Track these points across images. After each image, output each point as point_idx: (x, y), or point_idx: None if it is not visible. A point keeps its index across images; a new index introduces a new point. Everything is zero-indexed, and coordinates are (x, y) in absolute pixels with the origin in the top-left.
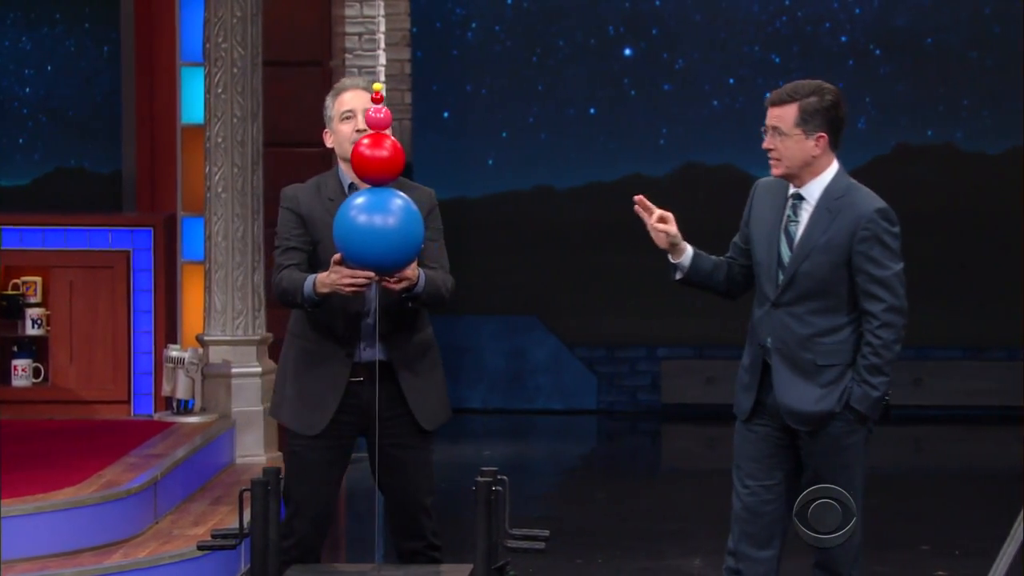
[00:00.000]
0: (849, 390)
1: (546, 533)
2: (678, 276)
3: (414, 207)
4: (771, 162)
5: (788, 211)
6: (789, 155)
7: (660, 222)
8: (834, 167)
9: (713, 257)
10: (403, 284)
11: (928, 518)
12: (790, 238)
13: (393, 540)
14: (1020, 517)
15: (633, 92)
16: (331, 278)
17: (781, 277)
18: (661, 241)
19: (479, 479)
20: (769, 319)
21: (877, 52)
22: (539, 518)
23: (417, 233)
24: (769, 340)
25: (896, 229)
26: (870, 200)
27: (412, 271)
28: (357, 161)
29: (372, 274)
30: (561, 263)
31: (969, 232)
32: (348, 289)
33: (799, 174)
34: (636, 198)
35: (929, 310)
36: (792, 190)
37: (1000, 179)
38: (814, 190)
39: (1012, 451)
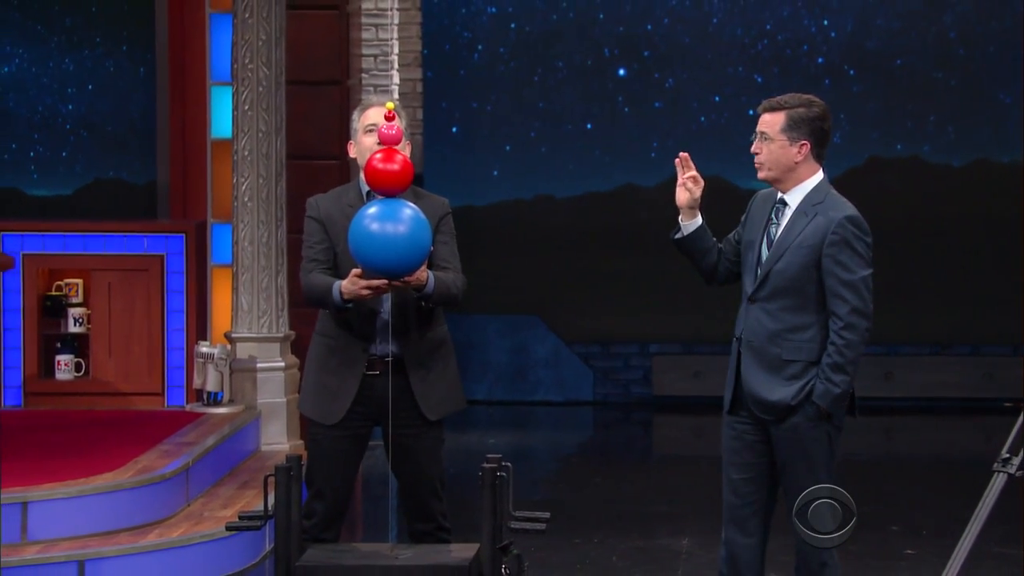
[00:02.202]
0: (811, 386)
1: (547, 515)
2: (677, 236)
3: (422, 216)
4: (756, 166)
5: (772, 215)
6: (772, 159)
7: (692, 182)
8: (818, 176)
9: (715, 240)
10: (411, 283)
11: (898, 501)
12: (770, 239)
13: (406, 522)
14: (983, 500)
15: (626, 109)
16: (351, 289)
17: (759, 274)
18: (683, 199)
19: (485, 465)
20: (746, 314)
21: (851, 72)
22: (540, 501)
23: (425, 240)
24: (743, 333)
25: (867, 238)
26: (843, 207)
27: (421, 273)
28: (370, 174)
29: (385, 282)
30: (560, 266)
31: (936, 238)
32: (367, 295)
33: (782, 179)
34: (681, 154)
35: (898, 310)
36: (778, 196)
37: (964, 189)
38: (796, 196)
39: (975, 439)
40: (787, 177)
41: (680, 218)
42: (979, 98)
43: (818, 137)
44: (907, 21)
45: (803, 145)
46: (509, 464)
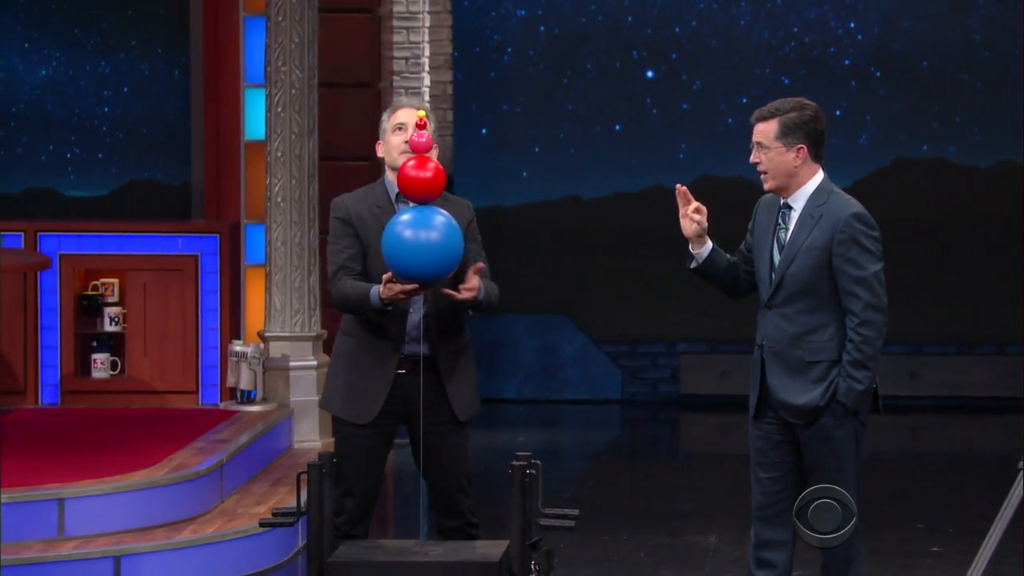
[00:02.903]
0: (835, 385)
1: (576, 512)
2: (693, 265)
3: (454, 223)
4: (761, 176)
5: (778, 220)
6: (773, 167)
7: (696, 212)
8: (819, 177)
9: (728, 256)
10: (471, 295)
11: (924, 499)
12: (780, 244)
13: (435, 519)
14: (1008, 498)
15: (654, 111)
16: (387, 294)
17: (772, 280)
18: (689, 229)
19: (514, 463)
20: (764, 321)
21: (877, 74)
22: (569, 498)
23: (457, 246)
24: (764, 340)
25: (874, 232)
26: (847, 205)
27: (474, 281)
28: (403, 181)
29: (417, 285)
30: (588, 266)
31: (961, 238)
32: (403, 298)
33: (786, 185)
34: (679, 187)
35: (925, 309)
36: (782, 201)
37: (989, 190)
38: (800, 199)
39: (1000, 437)
40: (790, 182)
41: (691, 247)
42: (1004, 100)
43: (813, 139)
44: (933, 23)
45: (800, 149)
46: (538, 462)
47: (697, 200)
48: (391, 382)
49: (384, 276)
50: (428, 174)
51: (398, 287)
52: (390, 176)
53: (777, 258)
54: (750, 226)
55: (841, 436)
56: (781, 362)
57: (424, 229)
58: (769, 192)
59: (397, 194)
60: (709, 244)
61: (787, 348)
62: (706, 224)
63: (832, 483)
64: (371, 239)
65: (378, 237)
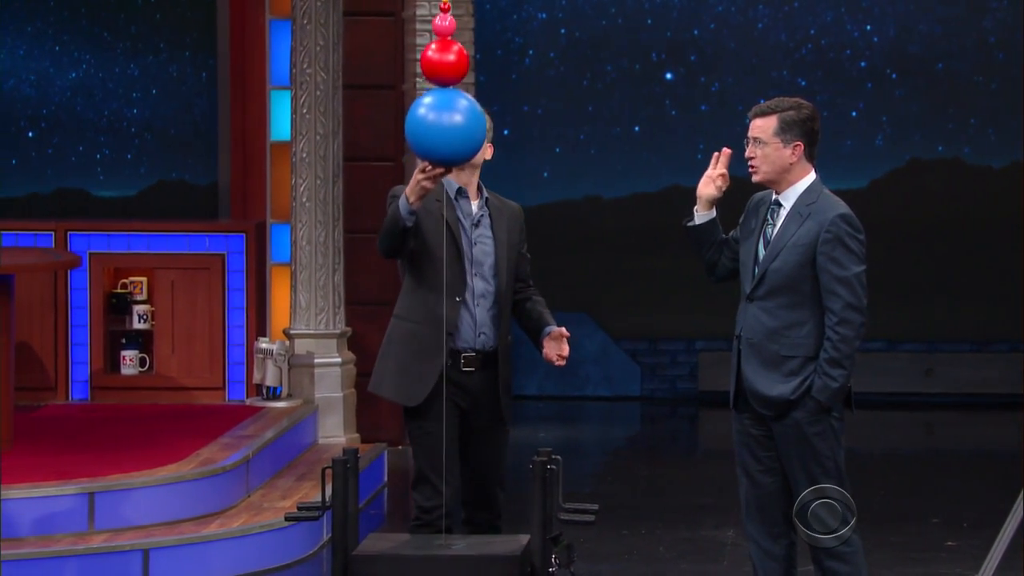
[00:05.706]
0: (810, 381)
1: (595, 507)
2: (689, 223)
3: (478, 107)
4: (751, 169)
5: (767, 215)
6: (767, 162)
7: (720, 179)
8: (810, 177)
9: (723, 234)
10: (563, 363)
11: (938, 495)
12: (766, 239)
13: (465, 511)
14: (1021, 494)
15: (673, 112)
16: (413, 187)
17: (756, 273)
18: (705, 191)
19: (535, 459)
20: (744, 313)
21: (893, 76)
22: (589, 494)
23: (480, 130)
24: (743, 331)
25: (860, 235)
26: (836, 206)
27: (567, 350)
28: (425, 64)
29: (442, 169)
30: (608, 265)
31: (975, 237)
32: (424, 180)
33: (777, 181)
34: (725, 150)
35: (939, 307)
36: (773, 197)
37: (1003, 190)
38: (790, 196)
39: (1014, 434)
40: (782, 179)
41: (696, 208)
42: (1018, 101)
43: (810, 138)
44: (948, 26)
45: (796, 146)
46: (559, 457)
47: (719, 194)
48: (441, 365)
49: (417, 168)
50: (452, 57)
51: (420, 177)
52: (420, 67)
53: (762, 252)
54: (741, 219)
55: (816, 433)
56: (757, 354)
57: (447, 111)
58: (758, 184)
59: (458, 189)
60: (713, 213)
61: (764, 341)
62: (721, 195)
63: (812, 479)
64: (425, 226)
65: (430, 225)
